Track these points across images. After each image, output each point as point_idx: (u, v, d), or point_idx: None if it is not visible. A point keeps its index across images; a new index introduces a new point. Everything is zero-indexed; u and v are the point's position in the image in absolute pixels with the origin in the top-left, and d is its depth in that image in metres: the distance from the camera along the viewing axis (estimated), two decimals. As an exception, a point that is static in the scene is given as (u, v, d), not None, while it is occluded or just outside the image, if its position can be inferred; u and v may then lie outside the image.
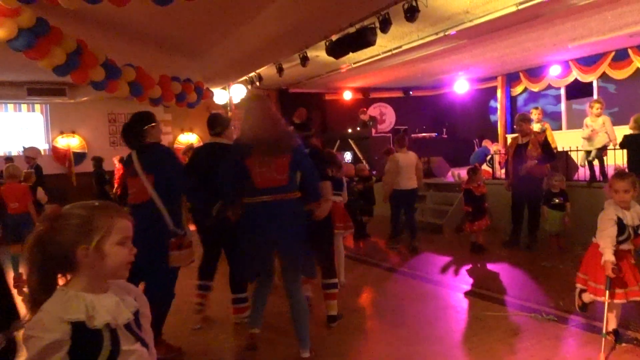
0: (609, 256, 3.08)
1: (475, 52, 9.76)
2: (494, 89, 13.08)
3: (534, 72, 11.91)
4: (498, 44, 9.04)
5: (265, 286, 3.56)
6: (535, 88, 11.96)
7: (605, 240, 3.15)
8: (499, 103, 12.89)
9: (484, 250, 6.66)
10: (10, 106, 11.72)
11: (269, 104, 3.47)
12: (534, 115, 7.85)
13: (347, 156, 11.81)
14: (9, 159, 9.31)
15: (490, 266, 6.01)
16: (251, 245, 3.29)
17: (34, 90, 10.91)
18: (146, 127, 3.56)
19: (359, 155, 11.62)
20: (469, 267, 6.08)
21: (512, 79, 12.66)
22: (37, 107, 11.92)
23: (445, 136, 13.58)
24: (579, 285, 3.56)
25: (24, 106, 11.81)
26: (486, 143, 11.35)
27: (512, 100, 12.87)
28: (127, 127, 3.62)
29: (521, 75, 12.24)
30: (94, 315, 1.30)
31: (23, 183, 6.49)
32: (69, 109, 11.90)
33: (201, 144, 8.79)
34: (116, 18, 6.56)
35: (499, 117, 12.92)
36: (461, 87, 13.47)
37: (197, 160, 4.14)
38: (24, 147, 10.16)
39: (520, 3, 6.36)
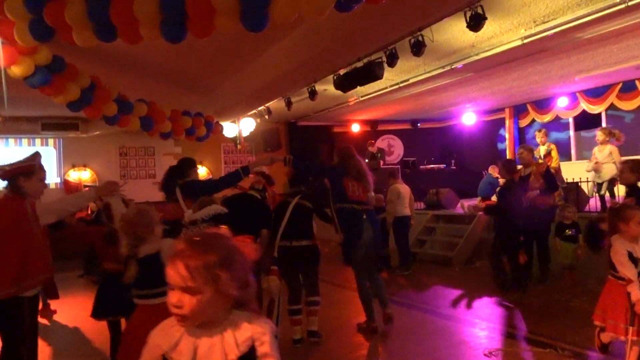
0: (638, 294, 2.99)
1: (482, 85, 9.86)
2: (502, 120, 13.13)
3: (542, 104, 11.96)
4: (505, 76, 9.13)
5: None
6: (543, 119, 11.98)
7: (631, 272, 3.06)
8: (507, 134, 12.91)
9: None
10: (25, 141, 11.95)
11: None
12: (539, 137, 7.83)
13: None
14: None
15: (502, 300, 5.89)
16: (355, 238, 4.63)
17: (48, 125, 11.13)
18: (190, 169, 4.30)
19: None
20: (480, 301, 5.97)
21: (519, 110, 12.71)
22: (51, 141, 12.15)
23: (454, 167, 13.58)
24: (597, 323, 3.46)
25: (37, 140, 12.04)
26: (492, 170, 11.22)
27: (520, 132, 12.88)
28: (175, 168, 4.31)
29: (529, 107, 12.29)
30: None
31: None
32: (81, 143, 12.10)
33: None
34: (129, 55, 6.74)
35: (508, 148, 12.91)
36: (469, 119, 13.54)
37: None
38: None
39: (525, 37, 6.45)
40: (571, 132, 11.87)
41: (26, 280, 2.95)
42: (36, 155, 3.22)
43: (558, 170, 8.00)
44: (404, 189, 8.00)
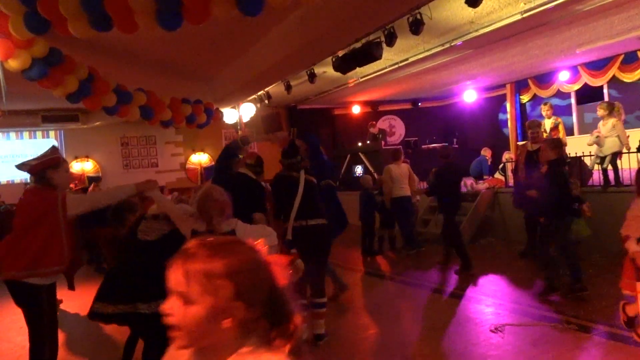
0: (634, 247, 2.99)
1: (483, 62, 9.77)
2: (503, 96, 13.04)
3: (543, 79, 11.86)
4: (505, 52, 9.04)
5: None
6: (544, 94, 11.88)
7: (631, 230, 3.06)
8: (509, 111, 12.84)
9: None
10: (26, 134, 11.97)
11: None
12: (544, 111, 7.74)
13: (358, 170, 11.83)
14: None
15: (508, 277, 5.93)
16: None
17: (48, 118, 11.12)
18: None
19: (370, 168, 11.62)
20: (486, 278, 6.01)
21: (520, 86, 12.61)
22: (52, 133, 12.16)
23: (456, 146, 13.54)
24: (626, 292, 3.42)
25: (38, 133, 12.05)
26: (484, 152, 11.22)
27: (521, 108, 12.81)
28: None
29: (530, 82, 12.19)
30: None
31: None
32: (83, 134, 12.10)
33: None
34: (125, 44, 6.69)
35: (509, 125, 12.86)
36: (470, 96, 13.45)
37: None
38: None
39: (525, 11, 6.37)
40: (573, 106, 11.79)
41: (41, 268, 3.05)
42: (56, 148, 3.41)
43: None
44: (399, 169, 7.81)
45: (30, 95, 8.48)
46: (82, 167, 12.22)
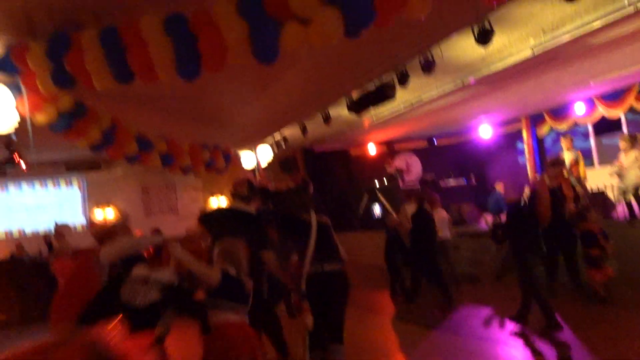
0: None
1: (496, 97, 9.82)
2: (519, 131, 13.00)
3: (558, 112, 11.81)
4: (518, 87, 9.08)
5: None
6: (561, 127, 11.81)
7: None
8: (526, 145, 12.75)
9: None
10: (50, 183, 12.27)
11: None
12: (564, 143, 7.69)
13: (377, 209, 11.77)
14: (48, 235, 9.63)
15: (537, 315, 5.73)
16: None
17: (72, 166, 11.43)
18: None
19: (388, 208, 11.55)
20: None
21: (536, 120, 12.56)
22: (75, 182, 12.44)
23: (474, 182, 13.43)
24: None
25: (62, 182, 12.34)
26: (498, 187, 11.10)
27: (538, 141, 12.72)
28: None
29: (545, 115, 12.15)
30: None
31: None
32: (105, 182, 12.36)
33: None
34: (146, 93, 6.92)
35: (527, 159, 12.74)
36: (485, 131, 13.44)
37: None
38: (55, 224, 10.53)
39: (535, 47, 6.44)
40: (591, 138, 11.67)
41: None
42: None
43: (584, 178, 7.88)
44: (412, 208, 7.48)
45: (54, 145, 8.75)
46: (104, 214, 12.41)
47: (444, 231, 7.68)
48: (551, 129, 12.29)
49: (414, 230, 6.81)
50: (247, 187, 4.09)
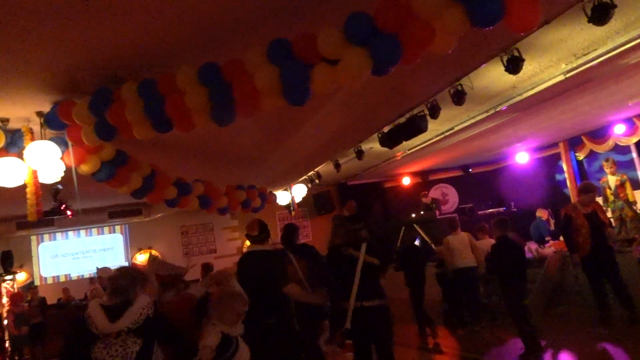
0: None
1: (531, 123, 9.66)
2: (558, 155, 12.68)
3: (597, 134, 11.49)
4: (552, 111, 8.92)
5: None
6: (600, 149, 11.45)
7: None
8: (566, 170, 12.39)
9: None
10: (94, 230, 12.69)
11: None
12: (607, 168, 7.47)
13: (416, 242, 11.57)
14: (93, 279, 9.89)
15: (595, 348, 5.43)
16: None
17: (114, 213, 11.82)
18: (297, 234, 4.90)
19: (427, 239, 11.36)
20: (568, 353, 5.53)
21: (574, 143, 12.24)
22: (118, 228, 12.84)
23: (515, 209, 13.08)
24: None
25: (105, 229, 12.75)
26: (540, 214, 10.76)
27: (579, 165, 12.34)
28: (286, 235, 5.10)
29: (584, 138, 11.83)
30: None
31: None
32: (145, 226, 12.72)
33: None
34: (182, 140, 7.17)
35: (569, 185, 12.35)
36: (522, 158, 13.17)
37: None
38: (97, 269, 10.89)
39: (568, 72, 6.36)
40: (636, 160, 11.24)
41: None
42: None
43: (632, 202, 7.58)
44: (456, 239, 7.70)
45: (98, 194, 9.10)
46: (145, 258, 12.69)
47: None
48: (591, 152, 11.93)
49: (497, 260, 6.07)
50: (257, 227, 4.42)
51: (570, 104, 8.52)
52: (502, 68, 5.52)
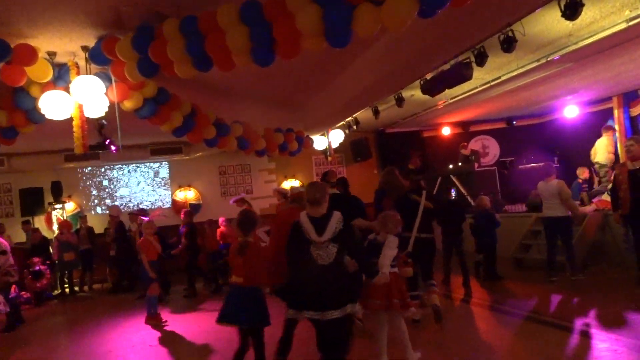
0: None
1: (584, 75, 9.13)
2: (610, 110, 12.03)
3: (656, 89, 10.79)
4: (609, 63, 8.37)
5: None
6: (658, 106, 10.79)
7: None
8: (617, 126, 11.77)
9: None
10: (138, 166, 13.14)
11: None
12: None
13: (452, 193, 11.45)
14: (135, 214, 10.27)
15: (623, 307, 5.37)
16: None
17: (156, 150, 12.16)
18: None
19: (463, 191, 11.22)
20: (598, 308, 5.49)
21: (630, 98, 11.54)
22: (159, 165, 13.24)
23: (558, 165, 12.64)
24: None
25: (148, 165, 13.18)
26: (579, 172, 10.40)
27: (632, 122, 11.70)
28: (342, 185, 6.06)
29: (640, 93, 11.15)
30: None
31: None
32: (186, 164, 13.06)
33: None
34: (223, 80, 7.18)
35: (619, 141, 11.78)
36: (571, 112, 12.56)
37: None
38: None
39: (631, 19, 5.89)
40: (695, 117, 10.57)
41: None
42: None
43: None
44: (545, 186, 7.38)
45: (140, 131, 9.34)
46: (185, 195, 13.14)
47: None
48: (648, 108, 11.25)
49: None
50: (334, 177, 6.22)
51: (631, 55, 7.95)
52: (559, 13, 5.15)
